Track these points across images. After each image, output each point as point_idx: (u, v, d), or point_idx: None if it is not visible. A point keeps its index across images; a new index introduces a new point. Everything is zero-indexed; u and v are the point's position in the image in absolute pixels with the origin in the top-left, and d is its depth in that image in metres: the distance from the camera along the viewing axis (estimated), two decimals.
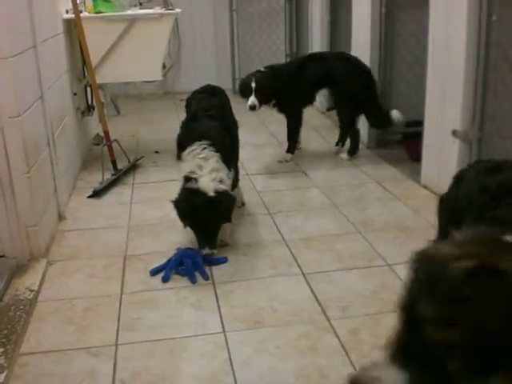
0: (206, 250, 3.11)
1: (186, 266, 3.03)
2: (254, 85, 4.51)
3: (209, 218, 3.09)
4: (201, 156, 3.19)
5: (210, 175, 3.13)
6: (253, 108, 4.52)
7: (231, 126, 3.65)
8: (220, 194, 3.10)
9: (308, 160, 4.88)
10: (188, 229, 3.19)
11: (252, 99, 4.51)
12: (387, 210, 3.74)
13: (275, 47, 7.80)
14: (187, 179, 3.16)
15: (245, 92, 4.63)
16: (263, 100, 4.59)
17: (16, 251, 3.09)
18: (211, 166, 3.16)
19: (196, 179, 3.12)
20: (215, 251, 3.16)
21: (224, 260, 3.18)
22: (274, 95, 4.73)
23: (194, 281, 2.97)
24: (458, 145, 3.69)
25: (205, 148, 3.21)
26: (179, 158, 3.30)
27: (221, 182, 3.15)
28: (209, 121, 3.40)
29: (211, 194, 3.07)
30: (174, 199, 3.17)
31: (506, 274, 0.99)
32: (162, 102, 7.39)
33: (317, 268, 3.06)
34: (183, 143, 3.31)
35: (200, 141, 3.23)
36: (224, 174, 3.20)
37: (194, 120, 3.47)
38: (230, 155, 3.36)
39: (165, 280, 2.99)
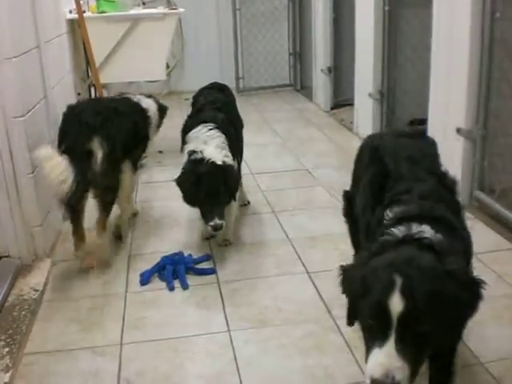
0: (216, 221, 2.98)
1: (166, 272, 2.96)
2: (401, 305, 1.41)
3: (217, 184, 2.98)
4: (207, 134, 3.15)
5: (215, 149, 3.08)
6: None
7: (236, 121, 3.66)
8: (227, 165, 3.04)
9: (312, 159, 4.87)
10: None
11: (390, 356, 1.41)
12: None
13: (278, 46, 7.79)
14: (191, 154, 3.09)
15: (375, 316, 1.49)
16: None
17: (20, 251, 3.09)
18: (216, 143, 3.12)
19: (201, 151, 3.05)
20: (224, 222, 3.04)
21: (211, 271, 3.05)
22: None
23: (171, 288, 2.88)
24: (462, 142, 3.68)
25: (211, 129, 3.18)
26: (183, 150, 3.25)
27: (226, 157, 3.10)
28: (215, 111, 3.39)
29: (219, 162, 3.00)
30: (176, 177, 3.08)
31: None
32: (166, 102, 7.36)
33: (321, 267, 3.06)
34: (187, 130, 3.28)
35: (206, 123, 3.21)
36: (229, 153, 3.15)
37: (199, 111, 3.44)
38: (234, 145, 3.34)
39: (143, 283, 2.95)
